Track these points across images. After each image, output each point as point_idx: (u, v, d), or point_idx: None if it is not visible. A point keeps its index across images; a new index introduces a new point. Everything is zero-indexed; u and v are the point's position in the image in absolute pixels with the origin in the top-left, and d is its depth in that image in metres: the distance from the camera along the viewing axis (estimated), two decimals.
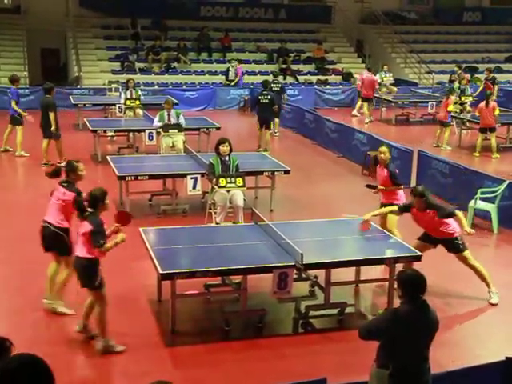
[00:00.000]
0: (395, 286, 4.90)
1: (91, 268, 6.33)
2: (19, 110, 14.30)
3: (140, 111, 16.24)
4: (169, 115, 13.58)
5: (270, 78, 23.86)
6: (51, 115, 13.27)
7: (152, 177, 10.76)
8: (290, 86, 23.33)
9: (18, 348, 3.01)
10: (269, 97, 15.74)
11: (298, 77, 24.50)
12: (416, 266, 7.32)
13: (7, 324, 6.98)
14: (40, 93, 19.46)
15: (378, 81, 22.09)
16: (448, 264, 8.97)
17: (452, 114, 16.84)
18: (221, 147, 9.70)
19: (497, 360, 5.34)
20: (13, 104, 14.26)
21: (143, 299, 7.66)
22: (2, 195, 11.76)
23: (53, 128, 13.32)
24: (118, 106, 16.51)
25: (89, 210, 6.37)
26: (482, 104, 15.77)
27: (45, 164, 13.45)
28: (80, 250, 6.37)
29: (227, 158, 9.75)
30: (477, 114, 16.04)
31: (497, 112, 15.70)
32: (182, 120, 13.68)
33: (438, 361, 6.37)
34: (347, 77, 24.35)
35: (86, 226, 6.27)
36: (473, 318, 7.77)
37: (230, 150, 9.80)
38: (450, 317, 7.61)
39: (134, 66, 23.35)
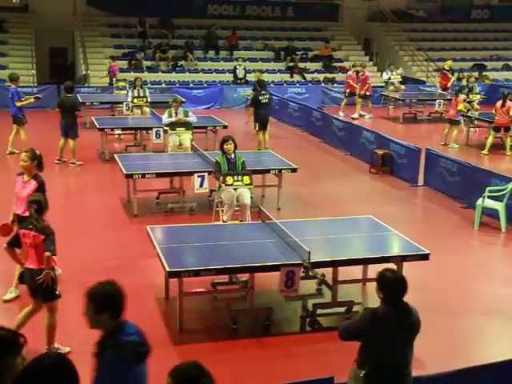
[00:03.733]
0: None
1: (51, 278, 6.11)
2: (22, 103, 14.14)
3: (147, 109, 16.27)
4: (176, 113, 13.59)
5: (280, 77, 24.10)
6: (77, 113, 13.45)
7: (159, 175, 10.77)
8: (298, 84, 23.33)
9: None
10: (268, 96, 15.12)
11: (306, 75, 24.48)
12: (426, 263, 7.32)
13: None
14: (48, 91, 19.65)
15: (385, 79, 22.08)
16: (455, 262, 8.96)
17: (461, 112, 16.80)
18: (225, 145, 9.71)
19: (508, 358, 5.32)
20: (17, 103, 14.10)
21: (151, 297, 7.67)
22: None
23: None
24: (125, 104, 16.54)
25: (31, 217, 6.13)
26: (498, 103, 15.71)
27: (72, 163, 13.53)
28: (32, 262, 6.12)
29: (233, 156, 9.76)
30: (493, 112, 15.92)
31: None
32: (192, 118, 13.66)
33: (448, 359, 6.36)
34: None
35: (35, 237, 6.05)
36: (482, 317, 7.74)
37: (235, 148, 9.80)
38: (459, 315, 7.59)
39: (142, 65, 23.40)
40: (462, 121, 17.64)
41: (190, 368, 3.09)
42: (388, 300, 4.55)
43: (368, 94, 20.15)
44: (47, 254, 6.04)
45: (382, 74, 23.25)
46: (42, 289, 6.13)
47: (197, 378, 3.06)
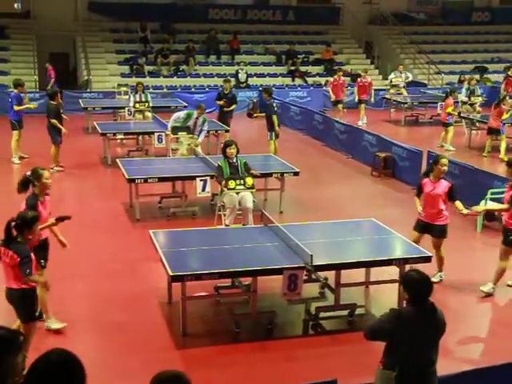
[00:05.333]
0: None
1: (28, 299, 5.93)
2: (20, 108, 14.19)
3: (149, 114, 16.30)
4: (197, 119, 13.43)
5: (282, 80, 24.12)
6: (52, 121, 13.35)
7: (161, 179, 10.78)
8: (299, 88, 23.37)
9: None
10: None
11: (307, 78, 24.52)
12: (429, 266, 7.31)
13: None
14: None
15: (390, 77, 22.01)
16: (458, 264, 8.94)
17: (462, 114, 16.73)
18: (228, 150, 9.74)
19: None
20: (15, 107, 14.14)
21: (154, 301, 7.67)
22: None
23: (64, 131, 13.41)
24: (127, 109, 16.58)
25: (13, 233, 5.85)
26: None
27: (51, 168, 13.51)
28: (11, 282, 5.89)
29: (235, 160, 9.79)
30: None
31: (504, 116, 15.60)
32: (205, 127, 13.54)
33: (453, 361, 6.35)
34: (356, 78, 24.28)
35: (13, 256, 5.79)
36: (486, 320, 7.74)
37: (237, 152, 9.83)
38: (463, 318, 7.58)
39: (143, 69, 23.45)
40: (463, 123, 17.63)
41: (167, 376, 3.03)
42: (414, 300, 4.56)
43: (341, 99, 19.47)
44: (26, 278, 5.82)
45: (389, 74, 23.17)
46: (22, 309, 5.97)
47: None
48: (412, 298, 4.58)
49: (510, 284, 8.18)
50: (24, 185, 6.74)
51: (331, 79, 19.87)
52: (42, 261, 6.77)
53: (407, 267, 7.09)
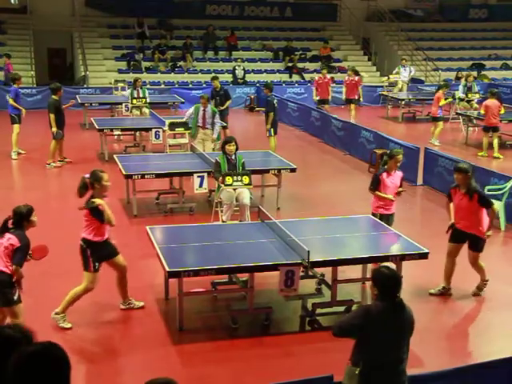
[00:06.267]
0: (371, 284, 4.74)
1: (9, 282, 6.01)
2: (18, 106, 14.17)
3: (146, 110, 16.28)
4: (204, 111, 13.00)
5: (279, 77, 24.11)
6: (50, 116, 13.34)
7: (159, 175, 10.77)
8: (297, 85, 23.36)
9: None
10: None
11: (304, 75, 24.52)
12: (425, 262, 7.33)
13: None
14: (47, 92, 19.65)
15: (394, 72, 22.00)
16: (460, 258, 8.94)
17: (459, 110, 16.69)
18: (227, 146, 9.73)
19: (505, 357, 5.33)
20: (10, 101, 14.17)
21: (150, 297, 7.68)
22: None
23: (52, 130, 13.38)
24: (124, 104, 16.55)
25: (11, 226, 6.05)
26: (489, 102, 15.48)
27: (48, 164, 13.51)
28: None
29: (233, 157, 9.79)
30: (482, 111, 15.76)
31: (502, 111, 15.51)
32: (217, 119, 13.21)
33: (447, 358, 6.38)
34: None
35: (14, 240, 5.96)
36: (479, 316, 7.76)
37: (236, 149, 9.83)
38: (459, 313, 7.61)
39: (141, 65, 23.42)
40: (460, 120, 17.60)
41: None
42: (383, 296, 4.54)
43: (327, 98, 18.89)
44: (14, 267, 5.96)
45: (393, 70, 23.14)
46: (1, 293, 6.03)
47: None
48: (381, 294, 4.55)
49: (432, 292, 7.98)
50: (84, 188, 6.92)
51: (316, 77, 19.51)
52: (97, 263, 6.99)
53: (404, 263, 7.12)
